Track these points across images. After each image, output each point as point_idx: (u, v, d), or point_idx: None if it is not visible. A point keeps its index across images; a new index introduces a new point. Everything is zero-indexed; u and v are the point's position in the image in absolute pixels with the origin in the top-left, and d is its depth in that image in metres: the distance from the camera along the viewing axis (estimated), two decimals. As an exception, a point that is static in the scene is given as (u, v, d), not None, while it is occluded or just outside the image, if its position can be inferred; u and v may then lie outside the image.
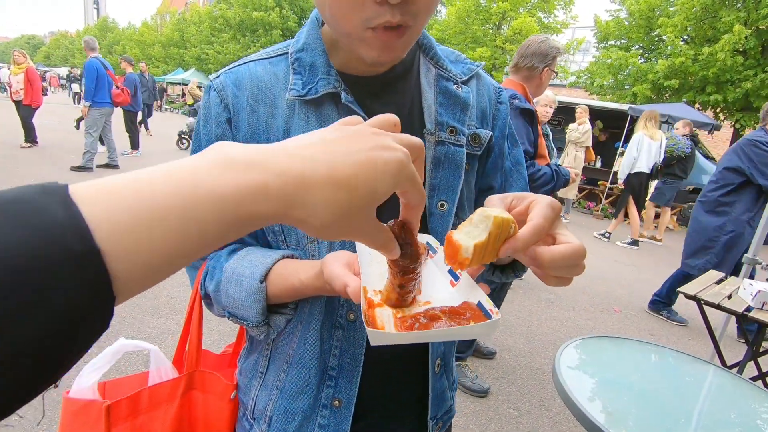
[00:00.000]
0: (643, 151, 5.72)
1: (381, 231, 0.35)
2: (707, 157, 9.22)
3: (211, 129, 0.63)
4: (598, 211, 8.84)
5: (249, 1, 22.56)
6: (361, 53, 0.55)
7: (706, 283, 2.50)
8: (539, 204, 0.45)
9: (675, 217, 8.47)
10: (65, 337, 0.21)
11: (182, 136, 10.32)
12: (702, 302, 2.23)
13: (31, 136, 8.11)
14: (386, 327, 0.43)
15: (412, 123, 0.65)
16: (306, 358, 0.63)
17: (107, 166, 7.10)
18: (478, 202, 0.71)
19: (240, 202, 0.26)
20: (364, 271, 0.52)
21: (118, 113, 7.66)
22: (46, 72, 28.27)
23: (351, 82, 0.62)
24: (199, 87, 13.67)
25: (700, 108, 10.91)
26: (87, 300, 0.21)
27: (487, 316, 0.43)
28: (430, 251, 0.59)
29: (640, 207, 6.20)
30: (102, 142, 7.10)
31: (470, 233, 0.42)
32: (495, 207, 0.45)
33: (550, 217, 0.43)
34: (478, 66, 0.72)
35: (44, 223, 0.20)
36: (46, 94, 9.55)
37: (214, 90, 0.63)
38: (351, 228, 0.31)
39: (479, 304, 0.45)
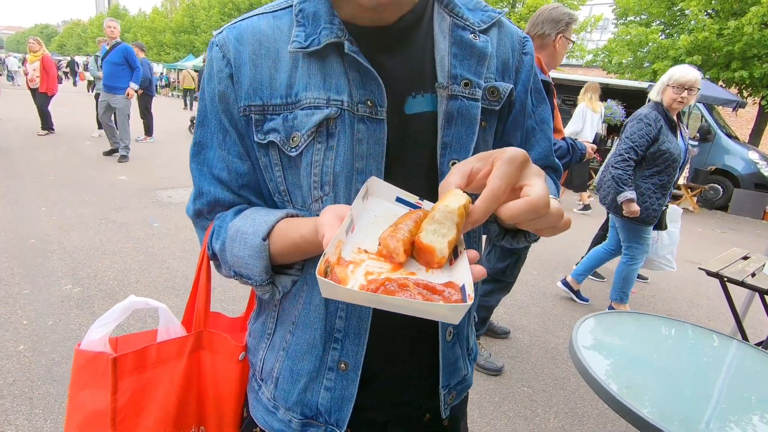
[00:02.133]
0: (587, 122, 5.91)
1: None
2: (730, 136, 8.91)
3: (214, 85, 0.61)
4: (614, 192, 8.67)
5: (258, -16, 22.36)
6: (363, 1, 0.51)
7: (729, 260, 2.42)
8: (498, 162, 0.42)
9: (695, 199, 8.24)
10: None
11: (194, 121, 10.38)
12: (725, 279, 2.17)
13: (47, 124, 8.24)
14: (350, 283, 0.39)
15: (424, 77, 0.61)
16: (311, 319, 0.62)
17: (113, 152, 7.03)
18: None
19: None
20: (361, 228, 0.49)
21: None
22: (60, 61, 28.51)
23: (358, 33, 0.59)
24: (196, 70, 14.06)
25: (724, 85, 10.50)
26: None
27: (463, 299, 0.39)
28: None
29: (585, 176, 6.51)
30: (100, 127, 7.10)
31: (438, 231, 0.42)
32: (454, 177, 0.44)
33: (508, 173, 0.41)
34: (500, 13, 0.66)
35: None
36: (61, 82, 9.68)
37: (217, 45, 0.61)
38: None
39: (462, 287, 0.41)
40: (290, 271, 0.62)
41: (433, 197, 0.59)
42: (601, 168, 3.49)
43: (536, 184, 0.41)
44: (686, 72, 2.66)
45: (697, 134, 8.85)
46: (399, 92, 0.59)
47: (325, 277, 0.38)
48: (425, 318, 0.39)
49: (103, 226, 4.00)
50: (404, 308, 0.39)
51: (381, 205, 0.55)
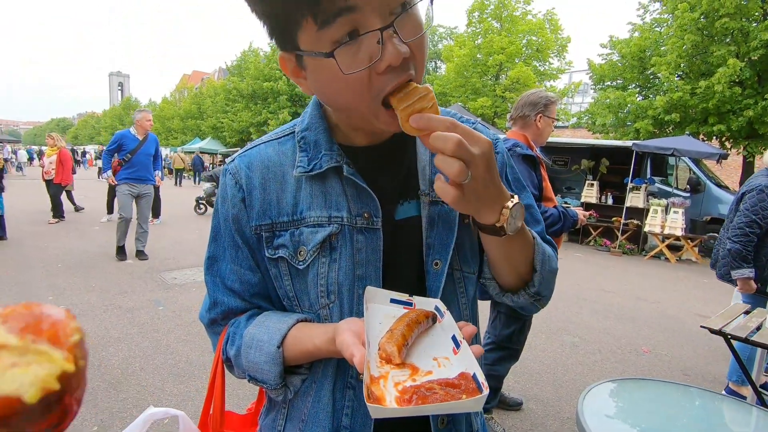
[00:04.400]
0: None
1: None
2: (720, 185, 9.15)
3: (227, 208, 0.69)
4: (615, 248, 8.69)
5: (260, 73, 24.19)
6: (381, 127, 0.60)
7: (731, 316, 2.42)
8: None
9: (697, 249, 8.25)
10: None
11: (200, 201, 10.73)
12: (729, 337, 2.15)
13: (58, 213, 8.55)
14: (387, 398, 0.46)
15: (409, 185, 0.70)
16: (320, 417, 0.66)
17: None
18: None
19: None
20: (374, 338, 0.55)
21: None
22: (74, 148, 29.90)
23: (353, 154, 0.69)
24: (186, 153, 14.91)
25: (705, 138, 10.95)
26: None
27: (479, 389, 0.47)
28: (438, 316, 0.63)
29: None
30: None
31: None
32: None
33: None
34: (473, 123, 0.76)
35: None
36: (75, 173, 10.17)
37: (230, 173, 0.70)
38: None
39: (474, 376, 0.49)
40: (300, 370, 0.68)
41: (424, 293, 0.68)
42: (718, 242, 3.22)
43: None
44: None
45: (687, 186, 9.10)
46: (389, 201, 0.69)
47: (368, 400, 0.45)
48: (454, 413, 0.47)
49: (108, 312, 4.03)
50: (438, 410, 0.47)
51: (380, 310, 0.63)
